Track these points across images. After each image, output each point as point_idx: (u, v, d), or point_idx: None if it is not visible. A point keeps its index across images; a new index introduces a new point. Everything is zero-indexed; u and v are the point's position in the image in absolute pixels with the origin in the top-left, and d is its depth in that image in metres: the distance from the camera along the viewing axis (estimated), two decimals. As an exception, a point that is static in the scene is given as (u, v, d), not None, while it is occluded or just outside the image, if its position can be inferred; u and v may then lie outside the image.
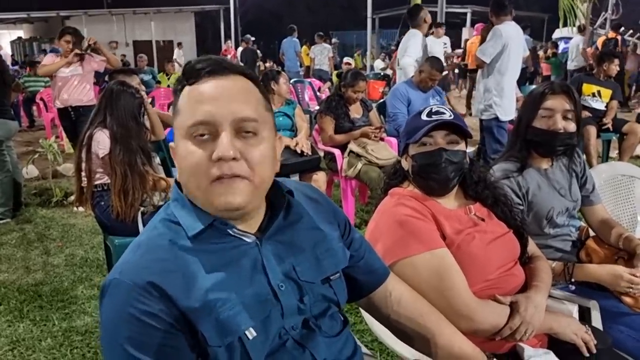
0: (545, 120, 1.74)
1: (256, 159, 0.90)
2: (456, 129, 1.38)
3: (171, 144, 0.98)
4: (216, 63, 0.92)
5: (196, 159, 0.88)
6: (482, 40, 4.50)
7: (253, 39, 12.08)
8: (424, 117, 1.39)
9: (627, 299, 1.64)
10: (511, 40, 4.18)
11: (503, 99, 4.24)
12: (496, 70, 4.26)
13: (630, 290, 1.58)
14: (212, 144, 0.88)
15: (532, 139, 1.77)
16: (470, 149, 5.40)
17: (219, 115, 0.88)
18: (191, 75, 0.92)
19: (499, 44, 4.19)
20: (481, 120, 4.48)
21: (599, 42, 11.35)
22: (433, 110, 1.40)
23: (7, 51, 18.09)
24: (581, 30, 8.70)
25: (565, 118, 1.73)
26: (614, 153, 5.47)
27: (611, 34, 10.46)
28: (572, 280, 1.66)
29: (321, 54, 11.32)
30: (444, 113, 1.39)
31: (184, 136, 0.90)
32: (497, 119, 4.28)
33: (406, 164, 1.46)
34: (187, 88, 0.92)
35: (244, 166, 0.89)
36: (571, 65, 10.56)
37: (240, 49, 13.11)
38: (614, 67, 5.04)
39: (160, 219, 0.97)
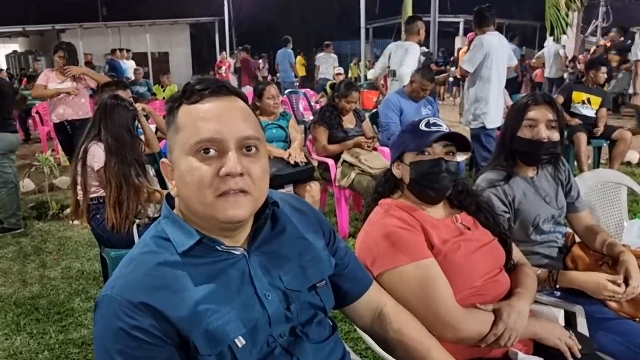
0: (530, 131, 1.78)
1: (258, 175, 0.95)
2: (455, 141, 1.44)
3: (163, 160, 1.02)
4: (217, 84, 0.97)
5: (202, 175, 0.92)
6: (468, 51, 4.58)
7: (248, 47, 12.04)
8: (422, 127, 1.44)
9: (612, 304, 1.68)
10: (494, 49, 4.26)
11: (489, 108, 4.31)
12: (480, 80, 4.34)
13: (614, 298, 1.61)
14: (218, 160, 0.93)
15: (518, 148, 1.82)
16: (463, 158, 5.45)
17: (226, 133, 0.93)
18: (192, 95, 0.96)
19: (480, 54, 4.27)
20: (471, 130, 4.55)
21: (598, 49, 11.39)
22: (431, 122, 1.45)
23: (1, 65, 18.09)
24: (556, 39, 8.81)
25: (549, 128, 1.78)
26: (604, 160, 5.53)
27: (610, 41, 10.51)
28: (557, 286, 1.70)
29: (327, 63, 11.37)
30: (441, 125, 1.44)
31: (187, 153, 0.93)
32: (484, 127, 4.34)
33: (399, 172, 1.50)
34: (185, 107, 0.96)
35: (248, 181, 0.94)
36: (549, 74, 10.67)
37: (233, 60, 13.11)
38: (602, 75, 5.11)
39: (152, 235, 1.01)
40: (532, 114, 1.78)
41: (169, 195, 1.05)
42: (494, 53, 4.26)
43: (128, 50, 13.30)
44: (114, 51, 13.01)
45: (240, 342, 0.93)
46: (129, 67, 12.16)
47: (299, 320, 1.03)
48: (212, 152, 0.93)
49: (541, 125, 1.77)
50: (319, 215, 1.19)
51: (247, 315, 0.95)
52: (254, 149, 0.95)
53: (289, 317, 1.01)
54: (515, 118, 1.82)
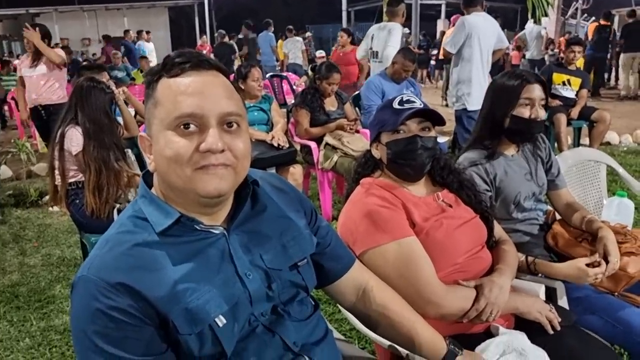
0: (527, 109, 1.78)
1: (241, 150, 0.94)
2: (428, 116, 1.42)
3: (141, 133, 0.99)
4: (198, 58, 0.94)
5: (181, 149, 0.90)
6: None
7: (223, 32, 11.84)
8: (396, 105, 1.43)
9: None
10: (476, 30, 4.24)
11: (472, 89, 4.31)
12: (463, 61, 4.34)
13: (597, 281, 1.60)
14: (199, 135, 0.90)
15: (512, 127, 1.80)
16: (445, 139, 5.48)
17: (207, 109, 0.90)
18: (172, 68, 0.93)
19: (462, 34, 4.26)
20: (455, 111, 4.56)
21: (590, 28, 11.38)
22: (404, 99, 1.44)
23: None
24: (536, 20, 8.87)
25: (540, 106, 1.79)
26: (584, 140, 5.60)
27: (604, 22, 10.51)
28: (539, 275, 1.70)
29: (294, 48, 11.27)
30: (414, 102, 1.43)
31: (166, 127, 0.91)
32: (465, 109, 4.35)
33: (377, 153, 1.50)
34: (165, 80, 0.93)
35: (229, 155, 0.92)
36: (530, 55, 10.71)
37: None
38: (569, 54, 5.16)
39: (128, 215, 0.99)
40: (528, 92, 1.78)
41: (145, 174, 1.03)
42: (477, 33, 4.24)
43: (147, 32, 12.88)
44: (126, 32, 12.73)
45: (221, 320, 0.92)
46: (149, 49, 11.85)
47: (280, 298, 1.02)
48: (192, 127, 0.90)
49: (537, 103, 1.78)
50: (300, 194, 1.18)
51: (227, 294, 0.94)
52: (235, 125, 0.93)
53: (270, 295, 1.00)
54: (508, 97, 1.80)
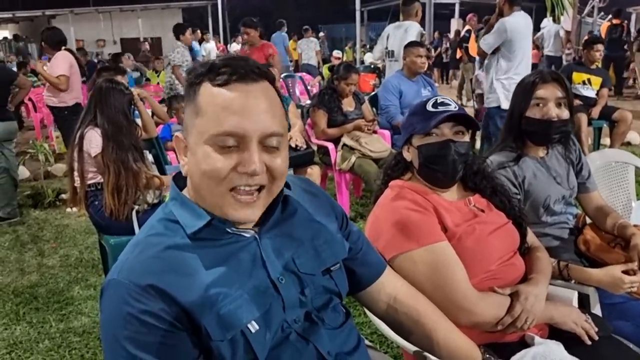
0: (539, 109, 1.73)
1: (279, 171, 0.92)
2: (462, 120, 1.38)
3: (178, 133, 0.97)
4: (245, 68, 0.90)
5: (218, 166, 0.88)
6: (490, 28, 4.44)
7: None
8: (429, 107, 1.37)
9: None
10: (516, 33, 4.15)
11: (510, 89, 4.23)
12: (499, 62, 4.25)
13: (633, 289, 1.55)
14: (237, 154, 0.88)
15: (527, 128, 1.77)
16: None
17: (250, 129, 0.88)
18: (217, 76, 0.89)
19: (501, 38, 4.15)
20: (487, 108, 4.49)
21: (603, 28, 11.28)
22: (438, 101, 1.38)
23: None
24: (555, 19, 8.76)
25: (558, 105, 1.73)
26: (605, 140, 5.50)
27: (615, 21, 10.38)
28: (572, 281, 1.65)
29: (308, 48, 11.24)
30: (449, 104, 1.37)
31: (206, 142, 0.88)
32: (499, 107, 4.27)
33: (409, 155, 1.45)
34: (209, 87, 0.90)
35: (266, 176, 0.90)
36: (548, 52, 10.63)
37: (234, 45, 12.78)
38: (594, 54, 5.06)
39: (159, 218, 0.97)
40: (540, 92, 1.73)
41: (176, 176, 1.00)
42: (515, 37, 4.13)
43: (203, 32, 12.76)
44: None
45: (253, 327, 0.89)
46: (209, 49, 11.70)
47: (313, 305, 0.99)
48: (232, 145, 0.88)
49: (550, 103, 1.72)
50: (330, 198, 1.15)
51: (259, 299, 0.91)
52: (277, 146, 0.91)
53: (303, 301, 0.97)
54: (523, 97, 1.78)
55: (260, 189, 0.90)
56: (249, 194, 0.89)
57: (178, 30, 6.69)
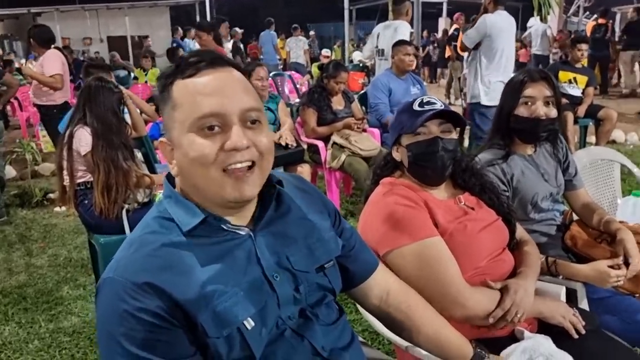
0: (527, 108, 1.76)
1: (265, 145, 0.93)
2: (449, 117, 1.40)
3: (161, 139, 0.97)
4: (212, 55, 0.93)
5: (206, 149, 0.89)
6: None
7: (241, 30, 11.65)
8: (416, 107, 1.40)
9: None
10: (496, 30, 4.23)
11: (489, 86, 4.30)
12: (481, 58, 4.33)
13: (619, 284, 1.58)
14: (222, 135, 0.89)
15: (515, 126, 1.80)
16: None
17: (228, 106, 0.89)
18: (186, 68, 0.91)
19: (480, 33, 4.27)
20: (469, 104, 4.55)
21: (588, 27, 11.40)
22: (424, 101, 1.41)
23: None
24: (542, 18, 8.89)
25: (546, 104, 1.76)
26: (591, 139, 5.57)
27: (601, 20, 10.50)
28: (560, 277, 1.68)
29: (297, 47, 11.22)
30: (435, 103, 1.40)
31: (188, 129, 0.90)
32: (479, 103, 4.34)
33: (398, 155, 1.47)
34: (180, 81, 0.92)
35: (254, 152, 0.91)
36: (536, 51, 10.74)
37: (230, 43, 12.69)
38: (577, 53, 5.12)
39: (153, 216, 0.97)
40: (528, 91, 1.76)
41: (169, 174, 1.01)
42: (495, 34, 4.24)
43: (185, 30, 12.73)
44: (175, 29, 12.70)
45: (249, 323, 0.90)
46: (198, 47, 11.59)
47: (307, 301, 1.00)
48: (216, 129, 0.89)
49: (538, 102, 1.75)
50: (322, 195, 1.16)
51: (255, 296, 0.92)
52: (257, 121, 0.93)
53: (298, 298, 0.98)
54: (512, 96, 1.80)
55: (251, 166, 0.91)
56: (241, 171, 0.90)
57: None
